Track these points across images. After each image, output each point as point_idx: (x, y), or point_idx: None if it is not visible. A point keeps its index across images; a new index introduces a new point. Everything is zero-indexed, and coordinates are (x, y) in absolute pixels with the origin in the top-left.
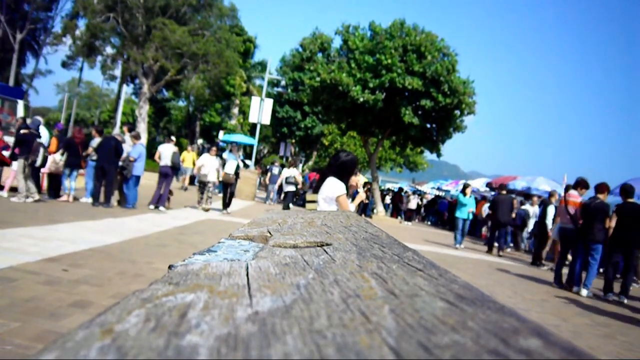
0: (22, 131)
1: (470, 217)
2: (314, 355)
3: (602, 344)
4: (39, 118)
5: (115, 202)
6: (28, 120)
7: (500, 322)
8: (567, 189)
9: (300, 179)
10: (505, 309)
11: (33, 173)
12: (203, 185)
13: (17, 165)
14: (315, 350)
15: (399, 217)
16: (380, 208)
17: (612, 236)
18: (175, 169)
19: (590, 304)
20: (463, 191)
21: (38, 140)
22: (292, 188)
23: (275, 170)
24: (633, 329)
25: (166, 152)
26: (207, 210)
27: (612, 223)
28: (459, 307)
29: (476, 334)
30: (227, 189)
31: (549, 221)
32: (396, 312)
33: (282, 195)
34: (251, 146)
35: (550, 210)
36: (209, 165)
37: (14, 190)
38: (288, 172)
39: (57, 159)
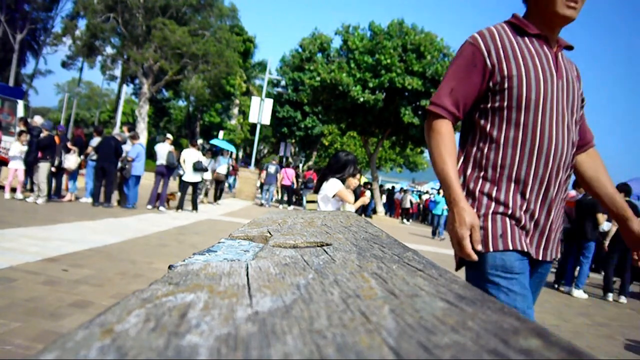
0: (42, 134)
1: (446, 212)
2: (314, 355)
3: (602, 344)
4: (50, 121)
5: (115, 202)
6: (28, 120)
7: (500, 322)
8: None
9: (205, 164)
10: (505, 309)
11: (56, 174)
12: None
13: (43, 168)
14: (315, 350)
15: (401, 217)
16: (380, 208)
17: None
18: (170, 168)
19: (590, 304)
20: (438, 191)
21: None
22: (196, 177)
23: (272, 169)
24: (633, 329)
25: (161, 151)
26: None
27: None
28: (459, 307)
29: (476, 334)
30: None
31: None
32: (396, 312)
33: (180, 186)
34: (250, 147)
35: None
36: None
37: (12, 190)
38: (194, 155)
39: (77, 159)
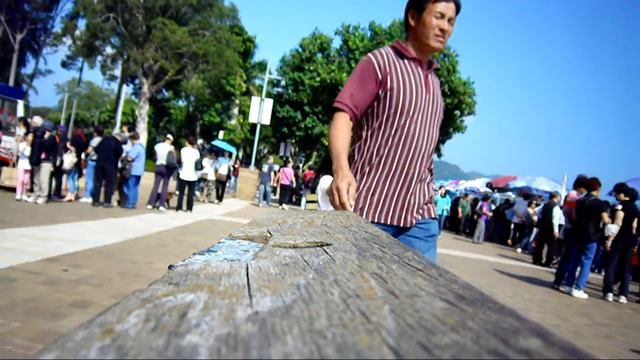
0: (46, 135)
1: (445, 213)
2: (314, 355)
3: (602, 344)
4: (50, 121)
5: (115, 202)
6: (28, 120)
7: (500, 322)
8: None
9: (208, 164)
10: (505, 309)
11: (57, 174)
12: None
13: (45, 169)
14: (315, 350)
15: None
16: None
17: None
18: (170, 168)
19: (590, 304)
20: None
21: (58, 142)
22: (193, 176)
23: (265, 168)
24: (633, 329)
25: (161, 151)
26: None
27: (619, 221)
28: (459, 307)
29: (476, 334)
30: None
31: (555, 221)
32: (396, 312)
33: (178, 186)
34: (250, 147)
35: (556, 211)
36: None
37: (12, 190)
38: (193, 154)
39: (72, 159)
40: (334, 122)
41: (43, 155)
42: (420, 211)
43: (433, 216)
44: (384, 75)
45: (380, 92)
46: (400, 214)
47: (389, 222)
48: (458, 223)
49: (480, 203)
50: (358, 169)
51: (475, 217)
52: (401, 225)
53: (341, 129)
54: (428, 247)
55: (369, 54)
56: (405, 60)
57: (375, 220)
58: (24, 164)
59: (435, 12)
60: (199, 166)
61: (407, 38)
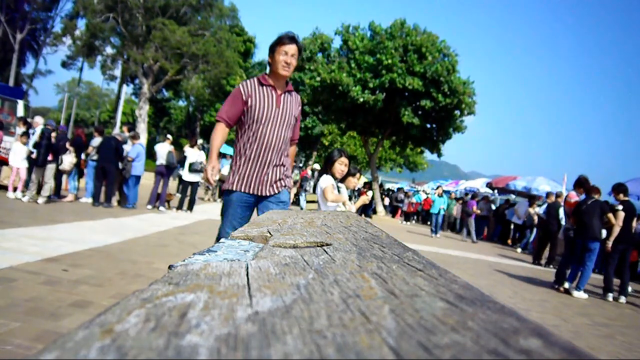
0: (53, 137)
1: (442, 212)
2: (314, 355)
3: (602, 344)
4: (52, 120)
5: (115, 202)
6: (28, 120)
7: (500, 322)
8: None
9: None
10: (505, 309)
11: (56, 174)
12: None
13: (50, 170)
14: (315, 350)
15: (401, 218)
16: (380, 208)
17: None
18: (170, 168)
19: (590, 304)
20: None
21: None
22: (194, 177)
23: None
24: (633, 329)
25: (161, 151)
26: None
27: (619, 222)
28: (459, 307)
29: (476, 334)
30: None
31: (564, 221)
32: (396, 312)
33: (180, 188)
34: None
35: (562, 211)
36: None
37: (5, 188)
38: (193, 155)
39: (72, 160)
40: (214, 130)
41: (50, 157)
42: (275, 185)
43: (284, 185)
44: (247, 97)
45: (244, 108)
46: (259, 187)
47: (250, 192)
48: (448, 222)
49: (469, 202)
50: (233, 161)
51: (466, 215)
52: (258, 194)
53: (218, 135)
54: (279, 209)
55: (240, 84)
56: (264, 87)
57: (242, 190)
58: (23, 163)
59: (282, 51)
60: (193, 167)
61: (269, 72)
